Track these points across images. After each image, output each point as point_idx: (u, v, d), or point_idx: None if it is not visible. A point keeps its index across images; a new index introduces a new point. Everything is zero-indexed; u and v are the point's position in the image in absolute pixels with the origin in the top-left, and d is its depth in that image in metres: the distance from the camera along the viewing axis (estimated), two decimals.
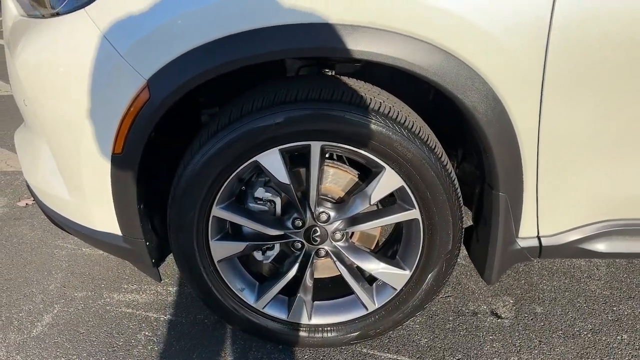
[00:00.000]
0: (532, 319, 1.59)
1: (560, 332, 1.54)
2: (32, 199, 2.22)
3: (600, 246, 1.33)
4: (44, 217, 2.16)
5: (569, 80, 1.11)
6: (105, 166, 1.23)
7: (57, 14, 1.20)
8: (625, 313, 1.60)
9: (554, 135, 1.16)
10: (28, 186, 1.58)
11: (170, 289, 1.76)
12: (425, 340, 1.52)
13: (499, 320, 1.59)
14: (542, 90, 1.12)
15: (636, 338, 1.51)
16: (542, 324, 1.57)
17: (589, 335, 1.52)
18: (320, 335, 1.46)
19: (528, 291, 1.70)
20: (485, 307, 1.64)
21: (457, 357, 1.46)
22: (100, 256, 1.93)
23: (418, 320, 1.59)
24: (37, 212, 2.22)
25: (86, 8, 1.14)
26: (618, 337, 1.51)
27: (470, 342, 1.51)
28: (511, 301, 1.66)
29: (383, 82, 1.30)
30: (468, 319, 1.59)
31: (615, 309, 1.62)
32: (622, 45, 1.07)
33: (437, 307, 1.64)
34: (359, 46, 1.08)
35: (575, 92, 1.12)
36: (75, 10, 1.15)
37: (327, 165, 1.34)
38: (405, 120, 1.19)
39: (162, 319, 1.63)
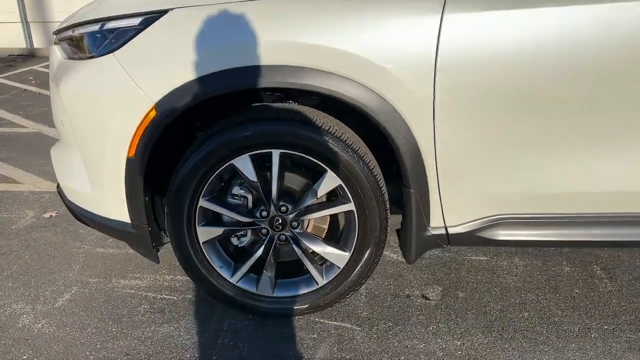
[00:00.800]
0: (453, 301, 1.98)
1: (474, 310, 1.93)
2: (56, 212, 2.68)
3: (492, 235, 1.74)
4: (65, 225, 2.61)
5: (454, 109, 1.56)
6: (122, 167, 1.68)
7: (92, 57, 1.69)
8: (530, 299, 1.99)
9: (445, 149, 1.61)
10: (59, 192, 2.03)
11: (167, 277, 2.17)
12: (366, 313, 1.92)
13: (426, 301, 1.98)
14: (434, 116, 1.57)
15: (535, 316, 1.90)
16: (461, 304, 1.96)
17: (496, 313, 1.91)
18: (281, 305, 1.86)
19: (455, 282, 2.10)
20: (418, 292, 2.04)
21: (388, 325, 1.85)
22: (111, 254, 2.35)
23: (362, 300, 1.99)
24: (59, 222, 2.66)
25: (114, 52, 1.63)
26: (520, 315, 1.90)
27: (401, 315, 1.90)
28: (440, 288, 2.06)
29: (343, 113, 1.75)
30: (402, 300, 1.99)
31: (522, 296, 2.01)
32: (491, 85, 1.52)
33: (379, 291, 2.04)
34: (304, 80, 1.56)
35: (459, 118, 1.57)
36: (107, 54, 1.64)
37: (286, 168, 1.79)
38: (341, 135, 1.65)
39: (158, 297, 2.04)
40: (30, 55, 8.75)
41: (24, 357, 1.73)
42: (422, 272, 2.17)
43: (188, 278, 1.95)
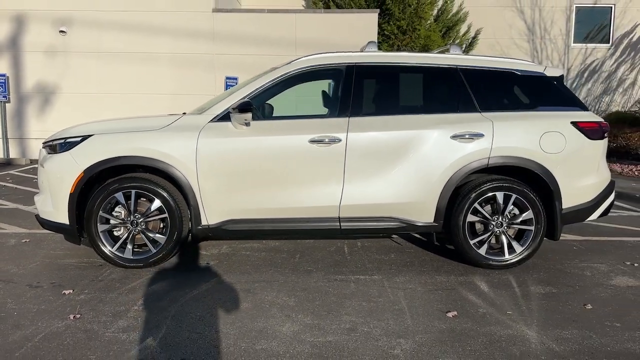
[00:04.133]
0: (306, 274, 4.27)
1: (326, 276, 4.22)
2: (27, 239, 4.89)
3: (228, 228, 4.11)
4: (34, 244, 4.80)
5: (204, 173, 4.01)
6: (67, 197, 4.02)
7: (58, 153, 4.10)
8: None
9: (203, 189, 4.03)
10: (36, 216, 4.31)
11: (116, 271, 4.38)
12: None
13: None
14: (197, 175, 4.01)
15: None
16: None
17: (351, 278, 4.20)
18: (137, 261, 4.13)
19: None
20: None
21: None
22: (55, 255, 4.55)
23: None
24: (30, 243, 4.84)
25: (69, 151, 4.05)
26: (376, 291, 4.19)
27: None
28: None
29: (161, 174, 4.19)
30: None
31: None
32: (218, 164, 3.99)
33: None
34: (144, 162, 3.99)
35: (207, 177, 4.00)
36: (65, 151, 4.06)
37: (137, 197, 4.14)
38: (162, 185, 4.06)
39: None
40: (7, 164, 11.08)
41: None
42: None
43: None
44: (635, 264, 4.43)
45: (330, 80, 4.87)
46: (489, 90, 4.32)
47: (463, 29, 14.24)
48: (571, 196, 4.24)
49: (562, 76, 4.45)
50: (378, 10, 11.86)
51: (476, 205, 4.15)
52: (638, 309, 3.46)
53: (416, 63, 4.35)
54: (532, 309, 3.43)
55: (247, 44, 11.73)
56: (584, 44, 15.44)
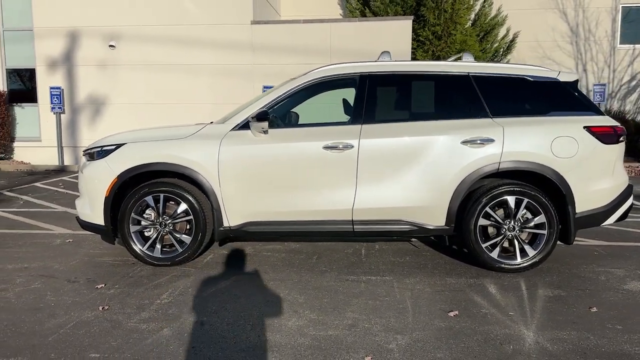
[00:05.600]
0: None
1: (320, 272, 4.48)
2: (71, 239, 5.33)
3: (248, 229, 4.37)
4: (75, 243, 5.23)
5: (225, 178, 4.29)
6: (102, 200, 4.39)
7: (94, 160, 4.49)
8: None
9: (224, 192, 4.31)
10: (76, 218, 4.72)
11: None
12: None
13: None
14: (219, 180, 4.30)
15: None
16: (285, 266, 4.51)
17: (335, 275, 4.46)
18: (164, 260, 4.45)
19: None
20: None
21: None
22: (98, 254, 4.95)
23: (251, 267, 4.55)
24: (74, 243, 5.28)
25: (104, 158, 4.43)
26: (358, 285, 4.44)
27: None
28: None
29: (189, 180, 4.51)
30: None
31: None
32: (240, 169, 4.27)
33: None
34: (173, 168, 4.32)
35: (228, 181, 4.29)
36: (101, 159, 4.44)
37: (168, 202, 4.47)
38: (189, 189, 4.37)
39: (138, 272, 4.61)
40: (61, 170, 11.86)
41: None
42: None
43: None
44: None
45: (352, 89, 5.07)
46: (500, 96, 4.40)
47: (502, 32, 14.10)
48: (585, 200, 4.25)
49: (576, 81, 4.47)
50: (412, 16, 11.95)
51: (487, 209, 4.24)
52: None
53: (428, 71, 4.50)
54: (535, 310, 3.50)
55: (284, 53, 12.08)
56: (631, 45, 14.94)
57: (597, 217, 4.33)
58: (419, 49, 12.66)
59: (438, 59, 12.61)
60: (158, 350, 2.91)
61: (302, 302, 3.64)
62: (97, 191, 4.43)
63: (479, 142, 4.21)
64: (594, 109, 4.40)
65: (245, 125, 4.38)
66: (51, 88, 12.42)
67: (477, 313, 3.45)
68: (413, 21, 12.68)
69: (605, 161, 4.28)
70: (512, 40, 13.70)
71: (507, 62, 14.07)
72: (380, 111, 4.47)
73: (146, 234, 4.51)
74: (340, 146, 4.26)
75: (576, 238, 5.38)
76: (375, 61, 4.65)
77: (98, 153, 4.53)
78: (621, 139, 4.34)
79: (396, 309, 3.51)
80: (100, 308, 3.53)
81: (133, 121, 11.71)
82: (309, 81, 4.50)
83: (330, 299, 3.69)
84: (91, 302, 3.65)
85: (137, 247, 4.43)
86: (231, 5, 12.08)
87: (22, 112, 13.15)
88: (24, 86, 13.23)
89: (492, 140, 4.21)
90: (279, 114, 4.64)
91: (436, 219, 4.32)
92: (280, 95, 4.48)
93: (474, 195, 4.28)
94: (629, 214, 4.59)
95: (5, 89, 12.94)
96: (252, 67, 12.15)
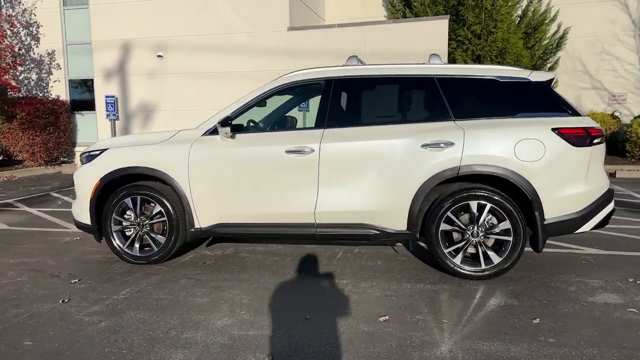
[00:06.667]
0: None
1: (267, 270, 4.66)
2: (78, 237, 5.78)
3: (218, 230, 4.55)
4: (81, 239, 5.67)
5: (195, 179, 4.50)
6: (89, 201, 4.75)
7: (83, 164, 4.87)
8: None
9: (195, 194, 4.52)
10: (74, 219, 5.12)
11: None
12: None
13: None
14: (189, 183, 4.52)
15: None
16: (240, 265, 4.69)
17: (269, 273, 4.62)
18: (141, 259, 4.73)
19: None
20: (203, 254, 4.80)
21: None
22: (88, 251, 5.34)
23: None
24: (80, 240, 5.72)
25: (91, 162, 4.79)
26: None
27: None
28: (214, 253, 4.81)
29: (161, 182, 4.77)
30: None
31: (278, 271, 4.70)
32: (208, 171, 4.46)
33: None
34: (150, 172, 4.59)
35: (197, 182, 4.49)
36: (88, 163, 4.81)
37: (146, 204, 4.75)
38: (162, 192, 4.63)
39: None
40: None
41: None
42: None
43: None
44: (638, 281, 4.07)
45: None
46: (465, 98, 4.28)
47: (553, 28, 13.42)
48: (554, 206, 4.03)
49: (549, 80, 4.25)
50: (448, 16, 11.68)
51: (449, 214, 4.14)
52: (593, 327, 3.25)
53: (392, 75, 4.45)
54: (473, 319, 3.39)
55: (320, 58, 12.22)
56: None
57: (569, 224, 4.09)
58: (458, 48, 12.33)
59: (478, 58, 12.23)
60: (83, 342, 3.14)
61: (245, 302, 3.75)
62: (84, 193, 4.79)
63: (439, 145, 4.12)
64: (568, 110, 4.16)
65: (214, 131, 4.56)
66: (106, 96, 13.37)
67: (410, 319, 3.40)
68: (452, 21, 12.40)
69: (576, 165, 4.04)
70: (562, 37, 12.98)
71: (557, 60, 13.38)
72: (343, 115, 4.48)
73: (127, 233, 4.81)
74: (302, 150, 4.33)
75: (572, 246, 5.10)
76: (343, 66, 4.68)
77: (87, 157, 4.89)
78: (596, 140, 4.07)
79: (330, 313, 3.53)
80: (61, 301, 3.83)
81: (180, 126, 12.29)
82: (277, 87, 4.60)
83: (274, 301, 3.77)
84: (58, 295, 3.97)
85: (118, 245, 4.74)
86: (269, 14, 12.41)
87: (82, 119, 14.25)
88: (83, 95, 14.34)
89: (452, 144, 4.10)
90: (257, 119, 4.79)
91: (397, 223, 4.27)
92: (250, 101, 4.63)
93: (436, 200, 4.20)
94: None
95: (68, 99, 14.08)
96: None
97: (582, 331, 3.19)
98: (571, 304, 3.63)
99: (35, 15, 14.01)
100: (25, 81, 14.32)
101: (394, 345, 3.02)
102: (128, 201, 4.68)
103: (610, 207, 4.22)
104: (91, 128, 14.08)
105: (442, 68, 4.39)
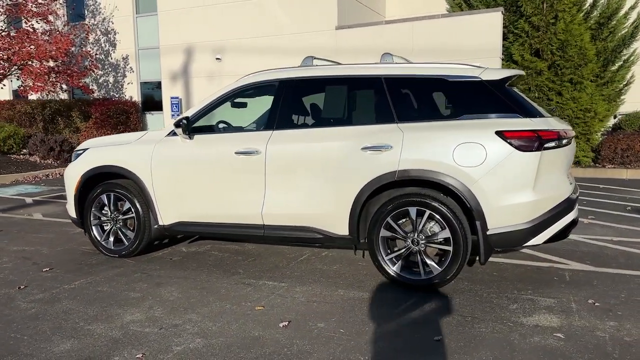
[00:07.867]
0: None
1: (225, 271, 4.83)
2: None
3: (178, 228, 4.73)
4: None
5: (157, 178, 4.71)
6: (73, 196, 5.15)
7: (71, 162, 5.28)
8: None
9: (157, 192, 4.73)
10: (69, 215, 5.58)
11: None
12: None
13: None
14: (152, 182, 4.74)
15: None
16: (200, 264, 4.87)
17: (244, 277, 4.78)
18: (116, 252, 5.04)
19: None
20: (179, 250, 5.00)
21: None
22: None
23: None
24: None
25: (75, 160, 5.18)
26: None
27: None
28: (186, 249, 4.99)
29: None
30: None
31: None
32: (169, 170, 4.65)
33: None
34: (119, 171, 4.88)
35: (160, 182, 4.70)
36: (74, 161, 5.21)
37: (119, 201, 5.04)
38: (130, 189, 4.90)
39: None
40: None
41: None
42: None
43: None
44: (597, 304, 3.62)
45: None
46: (412, 99, 4.06)
47: (632, 16, 12.10)
48: (499, 216, 3.70)
49: (504, 79, 3.89)
50: (501, 8, 11.00)
51: (389, 220, 3.96)
52: (494, 351, 2.96)
53: (340, 75, 4.33)
54: (372, 332, 3.23)
55: (368, 55, 12.01)
56: None
57: (516, 235, 3.72)
58: (516, 42, 11.54)
59: (537, 52, 11.37)
60: (12, 327, 3.43)
61: (170, 300, 3.87)
62: (70, 188, 5.19)
63: (377, 148, 3.96)
64: (521, 111, 3.78)
65: (176, 132, 4.74)
66: (171, 98, 14.24)
67: (308, 327, 3.31)
68: (510, 12, 11.66)
69: (523, 171, 3.67)
70: (637, 26, 11.67)
71: (634, 51, 12.06)
72: (291, 117, 4.45)
73: (105, 227, 5.14)
74: (249, 152, 4.36)
75: (559, 260, 4.65)
76: (298, 66, 4.62)
77: (74, 156, 5.30)
78: (549, 144, 3.67)
79: (239, 314, 3.54)
80: (17, 287, 4.21)
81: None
82: (235, 89, 4.67)
83: (198, 300, 3.85)
84: (20, 281, 4.36)
85: (95, 237, 5.09)
86: (318, 14, 12.49)
87: (151, 119, 15.30)
88: (153, 96, 15.37)
89: (390, 147, 3.92)
90: (217, 120, 4.91)
91: (339, 227, 4.16)
92: (210, 103, 4.74)
93: (376, 205, 4.03)
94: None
95: (139, 100, 15.19)
96: None
97: (478, 354, 2.92)
98: (494, 324, 3.32)
99: (112, 23, 15.27)
100: (104, 84, 15.67)
101: (266, 353, 2.98)
102: (104, 197, 5.00)
103: (570, 217, 3.79)
104: (159, 127, 15.07)
105: (390, 68, 4.19)
